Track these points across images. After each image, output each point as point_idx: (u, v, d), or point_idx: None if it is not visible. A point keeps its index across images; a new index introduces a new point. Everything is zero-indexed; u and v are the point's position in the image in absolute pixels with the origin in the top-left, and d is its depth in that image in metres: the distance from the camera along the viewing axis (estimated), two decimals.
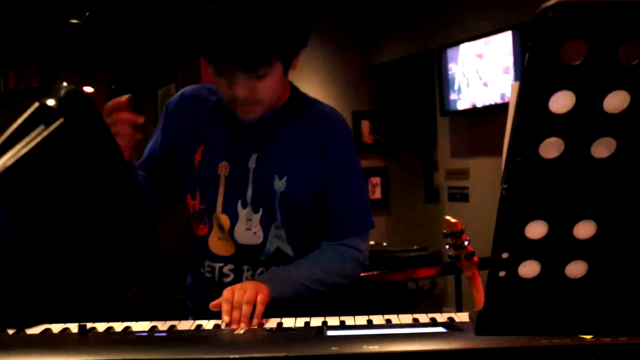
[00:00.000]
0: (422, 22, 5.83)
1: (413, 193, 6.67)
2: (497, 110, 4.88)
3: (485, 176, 5.14)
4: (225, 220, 1.53)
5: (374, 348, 0.90)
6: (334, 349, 0.91)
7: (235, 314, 1.27)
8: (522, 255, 0.75)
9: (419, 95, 6.45)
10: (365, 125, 6.55)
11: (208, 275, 1.57)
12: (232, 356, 0.87)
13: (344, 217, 1.54)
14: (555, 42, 0.63)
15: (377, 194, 6.58)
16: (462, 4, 5.35)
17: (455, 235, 2.15)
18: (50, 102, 0.72)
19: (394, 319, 1.19)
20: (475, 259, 2.08)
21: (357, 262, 1.55)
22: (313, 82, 6.05)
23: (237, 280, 1.53)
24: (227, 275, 1.55)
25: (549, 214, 0.73)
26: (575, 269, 0.76)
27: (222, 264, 1.55)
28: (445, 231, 2.19)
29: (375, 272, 2.77)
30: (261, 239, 1.52)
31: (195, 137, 1.56)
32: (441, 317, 1.19)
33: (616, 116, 0.67)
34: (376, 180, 6.59)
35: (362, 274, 3.02)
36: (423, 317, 1.19)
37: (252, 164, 1.51)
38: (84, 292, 0.79)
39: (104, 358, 0.91)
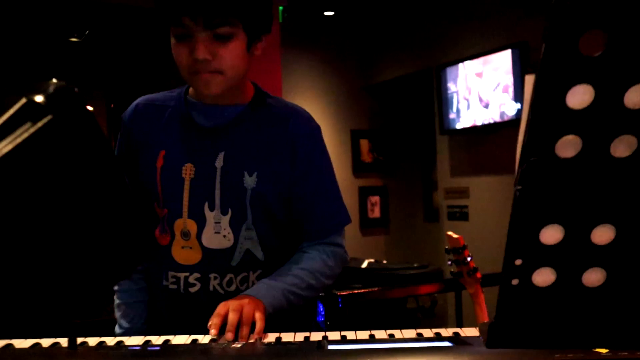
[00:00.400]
0: (421, 41, 5.83)
1: (412, 212, 6.63)
2: (496, 129, 4.86)
3: (485, 195, 5.10)
4: (191, 225, 1.46)
5: None
6: None
7: (230, 336, 1.21)
8: (536, 262, 0.71)
9: (418, 114, 6.44)
10: (364, 144, 6.53)
11: (172, 287, 1.50)
12: None
13: (321, 215, 1.52)
14: (574, 32, 0.59)
15: (376, 212, 6.54)
16: (461, 22, 5.35)
17: (458, 251, 2.10)
18: (39, 98, 0.68)
19: (397, 333, 1.15)
20: (478, 275, 2.04)
21: (341, 259, 1.55)
22: (312, 101, 6.04)
23: (204, 289, 1.47)
24: (193, 285, 1.48)
25: (565, 217, 0.69)
26: (593, 276, 0.72)
27: (187, 274, 1.48)
28: (447, 247, 2.14)
29: (375, 289, 2.72)
30: (232, 241, 1.46)
31: (155, 143, 1.50)
32: (446, 332, 1.14)
33: (637, 112, 0.63)
34: (375, 199, 6.54)
35: (361, 291, 3.00)
36: (427, 332, 1.15)
37: (219, 162, 1.46)
38: (78, 300, 0.75)
39: None
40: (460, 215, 5.40)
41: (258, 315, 1.27)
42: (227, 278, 1.47)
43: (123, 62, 6.05)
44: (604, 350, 0.86)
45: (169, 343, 1.12)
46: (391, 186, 6.66)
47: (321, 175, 1.54)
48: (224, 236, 1.46)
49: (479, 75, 5.02)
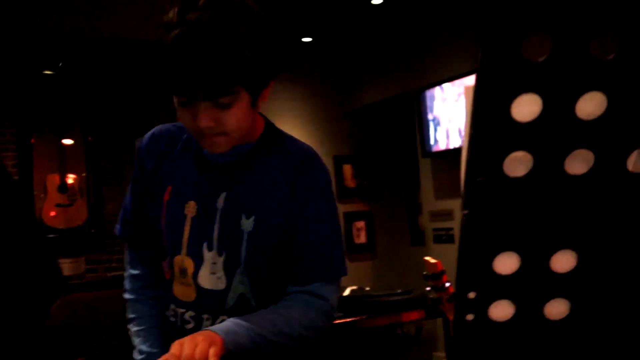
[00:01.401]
0: (399, 65, 5.81)
1: (398, 236, 6.55)
2: None
3: None
4: (189, 263, 1.43)
5: None
6: None
7: (187, 350, 1.14)
8: (492, 295, 0.64)
9: (400, 138, 6.40)
10: (347, 169, 6.47)
11: (172, 319, 1.49)
12: None
13: (311, 260, 1.42)
14: (516, 34, 0.52)
15: (362, 238, 6.46)
16: (438, 46, 5.34)
17: (436, 276, 2.03)
18: None
19: None
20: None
21: (322, 313, 1.42)
22: (293, 127, 5.98)
23: (197, 329, 1.43)
24: (188, 322, 1.45)
25: (520, 244, 0.61)
26: (556, 308, 0.65)
27: (184, 310, 1.46)
28: (425, 273, 2.07)
29: (354, 318, 2.64)
30: (224, 284, 1.41)
31: (165, 176, 1.48)
32: None
33: (591, 123, 0.56)
34: (360, 224, 6.47)
35: (339, 321, 2.91)
36: None
37: (220, 203, 1.42)
38: None
39: None
40: (446, 237, 5.33)
41: (212, 352, 1.20)
42: (219, 320, 1.42)
43: (100, 94, 5.98)
44: None
45: None
46: (376, 211, 6.59)
47: (318, 219, 1.43)
48: (218, 278, 1.42)
49: (458, 96, 4.99)
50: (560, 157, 0.58)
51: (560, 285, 0.63)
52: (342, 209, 6.39)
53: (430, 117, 5.32)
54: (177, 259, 1.44)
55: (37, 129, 5.91)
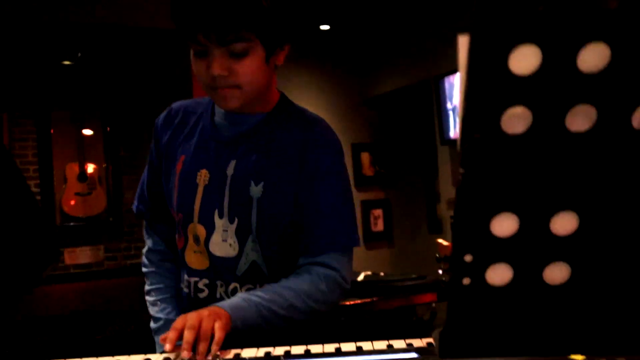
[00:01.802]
0: (418, 52, 5.76)
1: (416, 224, 6.52)
2: None
3: None
4: (201, 230, 1.45)
5: None
6: None
7: (186, 354, 1.13)
8: (489, 258, 0.62)
9: (419, 125, 6.35)
10: (365, 157, 6.44)
11: (185, 290, 1.51)
12: None
13: (321, 230, 1.40)
14: None
15: (379, 226, 6.43)
16: (457, 33, 5.26)
17: (449, 259, 2.01)
18: None
19: (366, 345, 1.05)
20: None
21: (335, 284, 1.40)
22: None
23: (212, 296, 1.45)
24: (202, 291, 1.47)
25: (518, 205, 0.59)
26: (556, 272, 0.62)
27: (197, 279, 1.48)
28: (437, 255, 2.06)
29: (367, 299, 2.63)
30: (236, 251, 1.42)
31: (179, 147, 1.52)
32: (420, 342, 1.05)
33: (594, 77, 0.54)
34: (378, 212, 6.45)
35: (352, 302, 2.90)
36: (399, 343, 1.05)
37: (230, 170, 1.43)
38: None
39: None
40: None
41: (217, 325, 1.19)
42: (231, 287, 1.44)
43: (118, 85, 6.00)
44: (580, 357, 0.76)
45: None
46: (394, 199, 6.56)
47: (328, 189, 1.42)
48: (230, 245, 1.43)
49: None
50: (561, 113, 0.56)
51: (560, 248, 0.61)
52: (359, 197, 6.36)
53: (448, 104, 5.27)
54: (191, 226, 1.46)
55: (56, 120, 5.96)
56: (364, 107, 6.48)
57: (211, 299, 1.43)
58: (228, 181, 1.43)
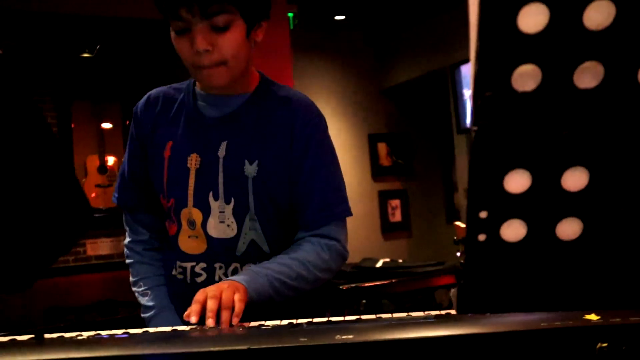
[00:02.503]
0: (434, 41, 5.76)
1: (434, 214, 6.53)
2: None
3: None
4: (197, 214, 1.46)
5: (348, 337, 0.79)
6: (303, 340, 0.80)
7: (211, 322, 1.17)
8: (503, 214, 0.64)
9: (435, 115, 6.35)
10: (382, 147, 6.46)
11: (179, 277, 1.51)
12: (182, 351, 0.76)
13: (318, 204, 1.46)
14: None
15: (397, 216, 6.45)
16: None
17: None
18: None
19: (386, 316, 1.08)
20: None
21: (337, 254, 1.47)
22: (327, 106, 5.99)
23: (210, 279, 1.47)
24: (199, 275, 1.49)
25: (530, 161, 0.61)
26: (568, 228, 0.64)
27: (193, 263, 1.49)
28: (455, 237, 2.08)
29: (385, 282, 2.66)
30: (235, 231, 1.45)
31: (164, 134, 1.52)
32: (439, 313, 1.07)
33: (600, 34, 0.56)
34: (396, 202, 6.46)
35: (371, 284, 2.93)
36: (419, 314, 1.08)
37: (221, 152, 1.46)
38: (12, 274, 0.70)
39: (52, 357, 0.82)
40: None
41: (237, 297, 1.23)
42: (232, 267, 1.46)
43: (137, 78, 6.06)
44: (594, 317, 0.78)
45: (145, 332, 1.07)
46: (411, 189, 6.57)
47: (319, 163, 1.48)
48: (228, 225, 1.45)
49: None
50: (569, 70, 0.58)
51: (572, 204, 0.63)
52: (376, 187, 6.38)
53: (465, 93, 5.26)
54: (184, 211, 1.47)
55: (76, 114, 6.03)
56: (380, 97, 6.49)
57: (209, 283, 1.44)
58: (220, 162, 1.45)
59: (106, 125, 6.21)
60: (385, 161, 6.44)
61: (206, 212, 1.45)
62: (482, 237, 0.65)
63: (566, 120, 0.60)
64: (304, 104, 1.50)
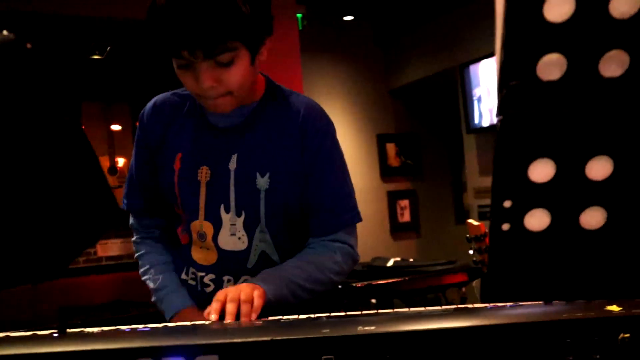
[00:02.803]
0: (442, 41, 5.76)
1: (443, 214, 6.52)
2: None
3: None
4: (208, 227, 1.45)
5: (370, 329, 0.79)
6: (326, 331, 0.80)
7: (231, 307, 1.17)
8: (527, 203, 0.64)
9: (444, 115, 6.35)
10: (390, 148, 6.45)
11: (191, 282, 1.51)
12: (206, 342, 0.77)
13: (329, 212, 1.45)
14: None
15: (406, 216, 6.44)
16: (481, 20, 5.26)
17: (479, 238, 2.03)
18: None
19: (403, 310, 1.08)
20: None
21: (349, 256, 1.46)
22: (336, 107, 5.99)
23: (217, 291, 1.40)
24: (208, 285, 1.48)
25: (555, 150, 0.62)
26: (592, 217, 0.65)
27: (203, 274, 1.48)
28: (468, 235, 2.07)
29: (398, 279, 2.66)
30: (246, 244, 1.44)
31: (173, 145, 1.49)
32: (459, 306, 1.07)
33: (626, 22, 0.57)
34: (404, 203, 6.45)
35: (383, 281, 2.93)
36: (436, 308, 1.08)
37: (232, 164, 1.44)
38: (38, 264, 0.71)
39: (70, 349, 0.83)
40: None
41: (257, 293, 1.23)
42: (241, 280, 1.45)
43: (146, 79, 6.08)
44: (615, 308, 0.78)
45: (165, 326, 1.07)
46: (420, 189, 6.56)
47: (330, 170, 1.47)
48: (239, 238, 1.44)
49: None
50: (595, 59, 0.58)
51: (596, 193, 0.64)
52: (385, 188, 6.38)
53: (474, 92, 5.26)
54: (195, 224, 1.46)
55: (86, 115, 6.06)
56: (389, 98, 6.48)
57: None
58: (232, 176, 1.43)
59: (116, 127, 6.23)
60: (394, 161, 6.43)
61: (217, 225, 1.44)
62: (506, 227, 0.66)
63: (591, 109, 0.60)
64: (314, 111, 1.48)
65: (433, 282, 2.78)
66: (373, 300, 2.82)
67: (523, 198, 0.63)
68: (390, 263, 3.14)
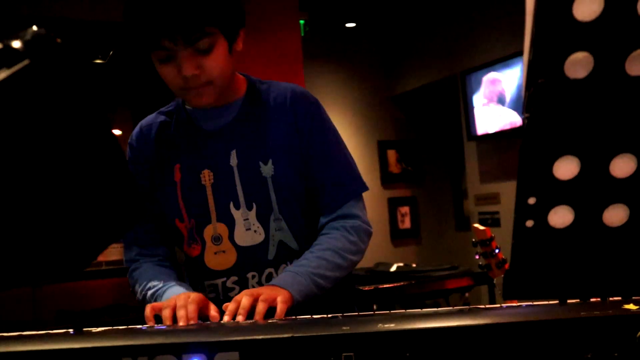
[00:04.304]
0: (444, 48, 5.78)
1: (443, 221, 6.53)
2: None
3: None
4: (222, 228, 1.45)
5: (390, 326, 0.80)
6: (346, 328, 0.81)
7: (241, 319, 1.16)
8: (552, 200, 0.65)
9: (445, 122, 6.37)
10: (391, 154, 6.47)
11: (210, 295, 1.48)
12: (225, 339, 0.77)
13: (334, 186, 1.47)
14: None
15: (406, 223, 6.45)
16: (483, 28, 5.29)
17: (485, 243, 2.04)
18: (16, 43, 0.66)
19: (414, 310, 1.09)
20: (507, 266, 1.97)
21: (363, 232, 1.47)
22: (337, 113, 6.01)
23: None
24: (232, 289, 1.47)
25: (580, 148, 0.63)
26: (615, 214, 0.66)
27: (224, 279, 1.47)
28: (473, 239, 2.08)
29: (401, 283, 2.66)
30: (263, 235, 1.44)
31: (168, 159, 1.50)
32: (474, 307, 1.08)
33: None
34: (405, 209, 6.46)
35: (389, 285, 2.93)
36: (449, 308, 1.09)
37: (234, 160, 1.46)
38: (58, 261, 0.71)
39: (91, 345, 0.83)
40: (492, 221, 5.30)
41: (280, 299, 1.21)
42: (265, 274, 1.45)
43: (149, 86, 6.09)
44: (634, 307, 0.79)
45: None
46: (421, 196, 6.57)
47: (326, 146, 1.49)
48: (255, 231, 1.45)
49: (504, 79, 4.95)
50: (621, 57, 0.59)
51: (619, 190, 0.65)
52: (386, 194, 6.39)
53: (475, 100, 5.28)
54: (208, 228, 1.46)
55: None
56: (390, 104, 6.50)
57: None
58: (235, 171, 1.45)
59: (117, 132, 6.24)
60: (394, 168, 6.45)
61: (231, 224, 1.45)
62: (529, 223, 0.66)
63: (616, 107, 0.61)
64: (300, 93, 1.51)
65: (437, 287, 2.79)
66: (375, 306, 2.82)
67: (547, 195, 0.64)
68: (393, 268, 3.15)
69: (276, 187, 1.44)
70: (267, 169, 1.44)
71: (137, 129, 1.55)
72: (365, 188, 1.51)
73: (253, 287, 1.43)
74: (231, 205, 1.45)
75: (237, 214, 1.45)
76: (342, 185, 1.48)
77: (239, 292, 1.40)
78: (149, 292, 1.41)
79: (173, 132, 1.51)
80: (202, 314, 1.23)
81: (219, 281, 1.47)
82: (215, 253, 1.46)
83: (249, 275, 1.46)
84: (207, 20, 1.32)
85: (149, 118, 1.56)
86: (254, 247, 1.45)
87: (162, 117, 1.54)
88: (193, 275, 1.52)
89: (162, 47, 1.33)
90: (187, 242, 1.49)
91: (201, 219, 1.46)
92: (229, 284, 1.46)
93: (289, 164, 1.45)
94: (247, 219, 1.44)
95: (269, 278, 1.44)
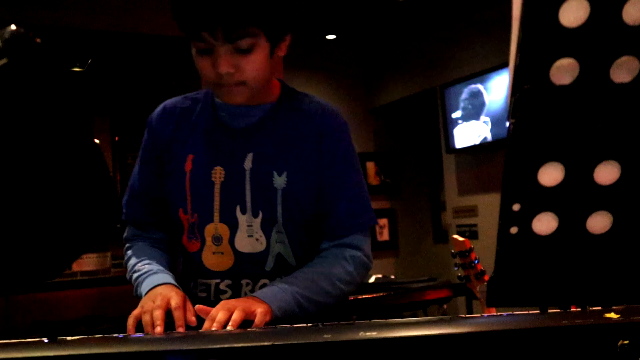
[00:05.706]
0: (423, 61, 5.82)
1: (421, 234, 6.55)
2: (502, 146, 4.80)
3: (494, 212, 5.01)
4: (223, 229, 1.42)
5: (372, 334, 0.79)
6: (327, 336, 0.80)
7: (221, 315, 1.15)
8: (536, 207, 0.65)
9: (424, 135, 6.40)
10: (370, 166, 6.48)
11: (202, 294, 1.45)
12: (205, 347, 0.76)
13: (344, 213, 1.42)
14: None
15: (384, 235, 6.46)
16: (462, 42, 5.34)
17: (464, 254, 2.04)
18: None
19: (396, 320, 1.08)
20: (486, 278, 1.97)
21: (362, 265, 1.43)
22: None
23: (235, 296, 1.40)
24: (225, 292, 1.42)
25: (564, 154, 0.63)
26: (598, 222, 0.66)
27: (217, 280, 1.43)
28: (453, 251, 2.08)
29: (381, 294, 2.66)
30: (264, 245, 1.40)
31: (184, 146, 1.46)
32: (455, 316, 1.08)
33: (638, 29, 0.58)
34: (383, 221, 6.47)
35: (367, 296, 2.92)
36: (431, 317, 1.08)
37: (248, 164, 1.41)
38: (33, 268, 0.69)
39: (65, 353, 0.81)
40: (469, 234, 5.32)
41: (260, 310, 1.19)
42: (260, 284, 1.41)
43: (126, 94, 6.05)
44: (615, 316, 0.79)
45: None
46: (399, 208, 6.59)
47: (346, 172, 1.44)
48: (257, 239, 1.41)
49: (483, 92, 4.99)
50: (606, 64, 0.59)
51: (603, 197, 0.65)
52: None
53: (454, 113, 5.31)
54: (209, 227, 1.42)
55: None
56: (369, 116, 6.52)
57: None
58: (247, 175, 1.41)
59: (95, 141, 6.18)
60: (373, 180, 6.46)
61: (233, 227, 1.41)
62: (514, 230, 0.66)
63: (601, 114, 0.62)
64: (331, 114, 1.47)
65: (416, 298, 2.78)
66: (354, 317, 2.81)
67: (532, 201, 0.64)
68: (372, 279, 3.14)
69: (285, 200, 1.40)
70: (280, 181, 1.40)
71: (159, 108, 1.52)
72: (375, 222, 1.47)
73: (246, 294, 1.40)
74: (237, 208, 1.41)
75: (242, 219, 1.41)
76: (353, 215, 1.43)
77: (231, 296, 1.41)
78: (134, 276, 1.41)
79: (194, 120, 1.48)
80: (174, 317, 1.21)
81: (213, 282, 1.44)
82: (214, 253, 1.43)
83: (244, 282, 1.42)
84: (251, 20, 1.28)
85: (174, 100, 1.53)
86: (253, 255, 1.41)
87: (187, 103, 1.51)
88: (188, 270, 1.49)
89: (202, 39, 1.30)
90: (187, 235, 1.46)
91: (204, 216, 1.43)
92: (222, 286, 1.43)
93: (302, 181, 1.41)
94: (251, 226, 1.41)
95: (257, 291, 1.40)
